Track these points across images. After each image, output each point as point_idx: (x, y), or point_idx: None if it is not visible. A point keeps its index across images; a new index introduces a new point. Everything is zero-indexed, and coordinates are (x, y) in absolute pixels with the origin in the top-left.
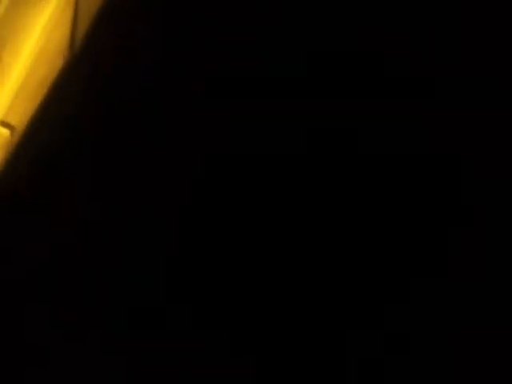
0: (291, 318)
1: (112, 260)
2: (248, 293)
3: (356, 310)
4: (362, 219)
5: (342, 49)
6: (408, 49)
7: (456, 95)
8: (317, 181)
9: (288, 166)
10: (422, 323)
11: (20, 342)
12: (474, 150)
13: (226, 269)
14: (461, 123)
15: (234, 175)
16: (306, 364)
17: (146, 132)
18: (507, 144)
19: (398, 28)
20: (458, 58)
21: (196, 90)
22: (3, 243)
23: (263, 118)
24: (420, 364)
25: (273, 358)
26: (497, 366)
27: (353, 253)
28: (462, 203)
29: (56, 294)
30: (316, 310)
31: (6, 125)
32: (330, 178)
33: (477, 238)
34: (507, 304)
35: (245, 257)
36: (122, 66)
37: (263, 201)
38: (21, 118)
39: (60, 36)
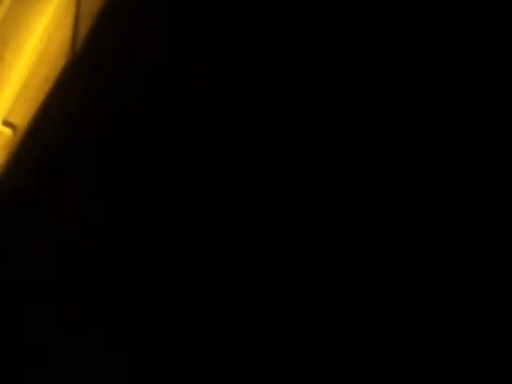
0: (292, 319)
1: (113, 260)
2: (249, 294)
3: (357, 311)
4: (363, 220)
5: (342, 50)
6: (409, 50)
7: (457, 96)
8: (317, 182)
9: (288, 167)
10: (423, 324)
11: (22, 342)
12: (475, 151)
13: (226, 270)
14: (462, 124)
15: (235, 176)
16: (307, 365)
17: (147, 132)
18: (508, 145)
19: (399, 29)
20: (458, 59)
21: (196, 91)
22: (6, 242)
23: (264, 118)
24: (421, 365)
25: (274, 359)
26: (497, 367)
27: (353, 253)
28: (463, 204)
29: (58, 294)
30: (317, 310)
31: (8, 124)
32: (331, 179)
33: (477, 239)
34: (508, 305)
35: (246, 258)
36: (122, 66)
37: (264, 202)
38: (23, 117)
39: (62, 36)
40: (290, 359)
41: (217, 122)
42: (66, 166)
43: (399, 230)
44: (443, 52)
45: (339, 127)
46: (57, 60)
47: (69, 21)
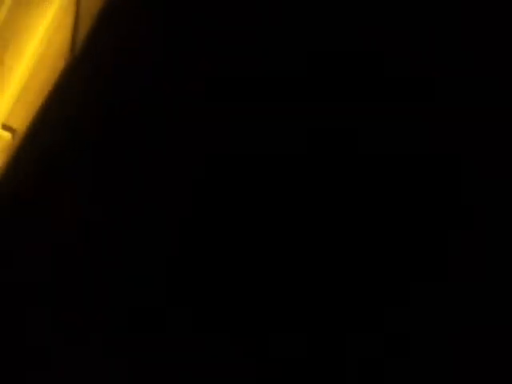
0: (292, 320)
1: (113, 261)
2: (249, 294)
3: (356, 312)
4: (363, 220)
5: (342, 49)
6: (409, 50)
7: (457, 96)
8: (318, 182)
9: (288, 167)
10: (423, 325)
11: (21, 344)
12: (476, 151)
13: (227, 270)
14: (462, 124)
15: (235, 176)
16: (307, 365)
17: (147, 133)
18: (508, 145)
19: (399, 29)
20: (458, 59)
21: (197, 92)
22: (5, 245)
23: (264, 118)
24: (421, 365)
25: (274, 360)
26: (497, 367)
27: (353, 254)
28: (463, 204)
29: (57, 296)
30: (317, 311)
31: (7, 128)
32: (332, 179)
33: (478, 240)
34: (508, 305)
35: (246, 258)
36: (122, 67)
37: (264, 202)
38: (22, 121)
39: (61, 39)
40: (290, 360)
41: (217, 122)
42: (65, 169)
43: (399, 230)
44: (443, 52)
45: (339, 127)
46: (56, 63)
47: (69, 22)
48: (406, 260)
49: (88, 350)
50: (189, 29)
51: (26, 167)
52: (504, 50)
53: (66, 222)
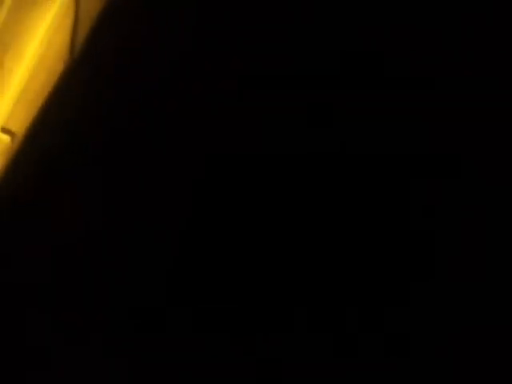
0: (292, 320)
1: (113, 262)
2: (249, 295)
3: (356, 312)
4: (363, 219)
5: (342, 49)
6: (409, 50)
7: (457, 96)
8: (317, 181)
9: (288, 167)
10: (423, 324)
11: (21, 344)
12: (475, 151)
13: (227, 270)
14: (462, 124)
15: (235, 176)
16: (307, 366)
17: (147, 136)
18: (508, 145)
19: (399, 29)
20: (458, 58)
21: (197, 93)
22: (5, 247)
23: (264, 119)
24: (420, 365)
25: (274, 360)
26: (497, 367)
27: (354, 254)
28: (463, 204)
29: (57, 297)
30: (316, 311)
31: (6, 131)
32: (331, 179)
33: (477, 239)
34: (508, 305)
35: (246, 258)
36: (122, 69)
37: (263, 202)
38: (21, 123)
39: (61, 41)
40: (290, 360)
41: (217, 122)
42: (64, 171)
43: (399, 230)
44: (443, 51)
45: (339, 127)
46: (56, 65)
47: (68, 24)
48: (406, 259)
49: (88, 350)
50: (189, 29)
51: (26, 170)
52: (504, 50)
53: (66, 224)
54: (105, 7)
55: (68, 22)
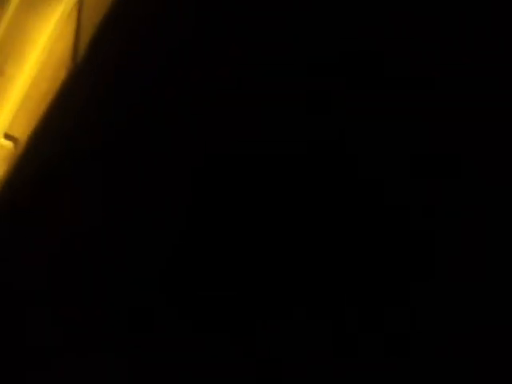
0: (291, 319)
1: (111, 265)
2: (249, 294)
3: (356, 312)
4: (363, 219)
5: (343, 49)
6: (409, 50)
7: (457, 96)
8: (318, 181)
9: (289, 167)
10: (423, 324)
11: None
12: (475, 150)
13: (226, 269)
14: (462, 124)
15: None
16: (307, 366)
17: (147, 145)
18: (508, 145)
19: (399, 29)
20: (458, 58)
21: (197, 97)
22: (5, 250)
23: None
24: (420, 365)
25: (273, 360)
26: (497, 367)
27: (353, 254)
28: (463, 204)
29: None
30: (316, 311)
31: (9, 137)
32: (331, 179)
33: (478, 239)
34: (508, 305)
35: (245, 256)
36: (123, 76)
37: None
38: (24, 130)
39: (63, 48)
40: (290, 360)
41: (215, 110)
42: (64, 178)
43: (399, 230)
44: (443, 52)
45: (339, 127)
46: (58, 72)
47: (70, 31)
48: (406, 260)
49: (87, 348)
50: (190, 34)
51: (27, 176)
52: (504, 50)
53: (65, 229)
54: (107, 14)
55: (70, 30)
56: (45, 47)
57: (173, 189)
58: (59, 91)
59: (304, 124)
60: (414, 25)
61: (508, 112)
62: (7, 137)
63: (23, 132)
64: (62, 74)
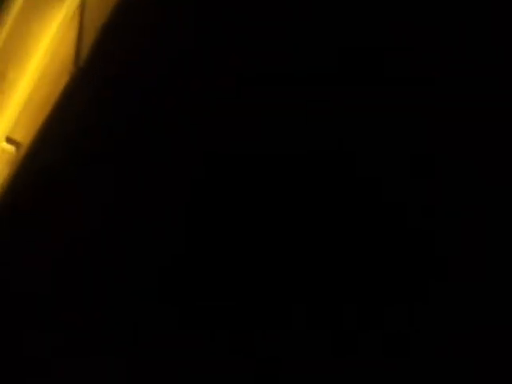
0: (290, 318)
1: (112, 269)
2: (248, 293)
3: (354, 310)
4: (363, 219)
5: (372, 45)
6: (409, 50)
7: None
8: (317, 180)
9: (287, 164)
10: (422, 324)
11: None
12: (476, 150)
13: (226, 269)
14: (463, 124)
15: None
16: (306, 364)
17: (148, 149)
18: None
19: (400, 27)
20: (459, 58)
21: (196, 90)
22: (7, 255)
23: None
24: (420, 365)
25: (272, 358)
26: (497, 367)
27: (352, 252)
28: (463, 204)
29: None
30: (315, 309)
31: (11, 141)
32: (331, 177)
33: (478, 239)
34: (508, 305)
35: (244, 257)
36: (126, 80)
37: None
38: (26, 134)
39: (65, 52)
40: (289, 359)
41: (215, 119)
42: (65, 183)
43: (397, 229)
44: (443, 51)
45: (337, 124)
46: (60, 76)
47: (72, 35)
48: (406, 260)
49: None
50: (192, 41)
51: (28, 180)
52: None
53: (66, 235)
54: (110, 17)
55: (72, 34)
56: (47, 51)
57: (172, 197)
58: (61, 95)
59: (303, 127)
60: (416, 24)
61: (508, 112)
62: (9, 141)
63: (25, 136)
64: (64, 79)
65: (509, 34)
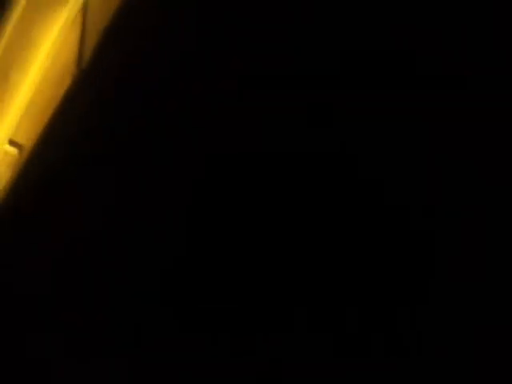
0: (292, 320)
1: (113, 270)
2: (249, 295)
3: (356, 312)
4: (362, 221)
5: (373, 48)
6: (412, 51)
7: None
8: (318, 182)
9: (289, 167)
10: (422, 324)
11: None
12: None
13: (227, 271)
14: (462, 124)
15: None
16: (309, 368)
17: (149, 151)
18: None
19: (402, 29)
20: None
21: (197, 93)
22: (10, 256)
23: (264, 119)
24: (420, 365)
25: (274, 360)
26: (497, 367)
27: (353, 254)
28: (463, 204)
29: (57, 304)
30: (317, 311)
31: (14, 143)
32: (332, 179)
33: (478, 239)
34: (508, 305)
35: (246, 258)
36: (128, 83)
37: (263, 203)
38: (28, 136)
39: (67, 55)
40: (289, 359)
41: (217, 122)
42: (67, 184)
43: (399, 230)
44: (446, 53)
45: (339, 127)
46: (62, 78)
47: (75, 37)
48: (406, 260)
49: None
50: (194, 44)
51: (30, 182)
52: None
53: (68, 236)
54: (112, 20)
55: (75, 36)
56: (49, 54)
57: (174, 199)
58: (64, 97)
59: (305, 129)
60: (445, 25)
61: (508, 112)
62: (12, 143)
63: (28, 138)
64: (66, 81)
65: (509, 33)
